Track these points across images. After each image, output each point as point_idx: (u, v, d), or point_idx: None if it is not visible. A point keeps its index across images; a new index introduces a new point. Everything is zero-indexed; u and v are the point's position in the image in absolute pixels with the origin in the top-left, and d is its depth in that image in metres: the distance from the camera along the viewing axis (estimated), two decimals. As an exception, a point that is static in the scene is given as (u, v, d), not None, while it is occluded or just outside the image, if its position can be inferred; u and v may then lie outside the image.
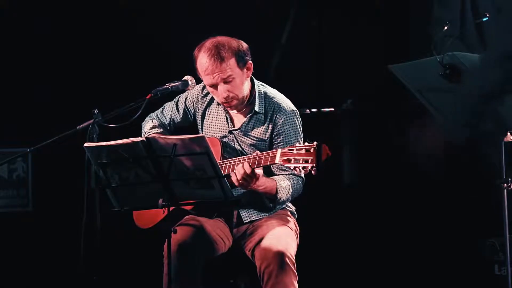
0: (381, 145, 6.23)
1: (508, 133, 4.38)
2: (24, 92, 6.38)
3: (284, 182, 4.41)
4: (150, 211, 4.41)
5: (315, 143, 3.98)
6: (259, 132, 4.51)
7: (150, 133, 4.67)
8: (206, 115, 4.63)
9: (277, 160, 4.04)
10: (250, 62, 4.48)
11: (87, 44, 6.43)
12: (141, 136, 4.11)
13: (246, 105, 4.53)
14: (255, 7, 6.53)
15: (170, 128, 4.75)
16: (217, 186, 3.98)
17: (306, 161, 3.95)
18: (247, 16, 6.33)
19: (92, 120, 4.19)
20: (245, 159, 4.23)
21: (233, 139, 4.55)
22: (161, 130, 4.71)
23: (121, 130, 4.23)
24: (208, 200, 4.09)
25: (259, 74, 4.67)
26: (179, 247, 4.27)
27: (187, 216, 4.49)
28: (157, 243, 4.33)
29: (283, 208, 4.58)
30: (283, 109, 4.50)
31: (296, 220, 4.60)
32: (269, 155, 4.12)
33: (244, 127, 4.52)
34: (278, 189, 4.38)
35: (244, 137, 4.53)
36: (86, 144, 4.02)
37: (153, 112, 4.78)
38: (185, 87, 4.52)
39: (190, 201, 4.11)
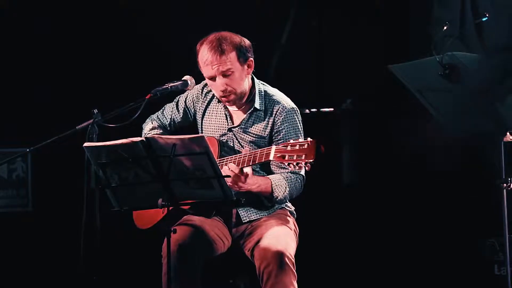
0: (381, 145, 6.23)
1: (508, 133, 4.38)
2: (24, 92, 6.38)
3: (280, 180, 4.41)
4: (149, 212, 4.41)
5: (309, 139, 3.99)
6: (259, 129, 4.51)
7: (149, 134, 4.67)
8: (206, 114, 4.64)
9: (271, 157, 4.05)
10: (252, 59, 4.48)
11: (87, 44, 6.43)
12: (141, 137, 4.10)
13: (246, 102, 4.54)
14: (255, 7, 6.53)
15: (171, 128, 4.75)
16: (216, 186, 3.98)
17: (300, 157, 3.96)
18: (247, 16, 6.32)
19: (91, 120, 4.19)
20: (240, 157, 4.24)
21: (232, 137, 4.55)
22: (161, 131, 4.71)
23: (121, 130, 4.23)
24: (208, 200, 4.09)
25: (259, 73, 4.67)
26: (178, 247, 4.27)
27: (185, 216, 4.49)
28: (157, 243, 4.34)
29: (282, 208, 4.58)
30: (283, 106, 4.51)
31: (296, 220, 4.59)
32: (263, 152, 4.13)
33: (243, 124, 4.53)
34: (273, 188, 4.38)
35: (243, 134, 4.53)
36: (86, 144, 4.02)
37: (153, 112, 4.78)
38: (184, 87, 4.52)
39: (190, 201, 4.11)
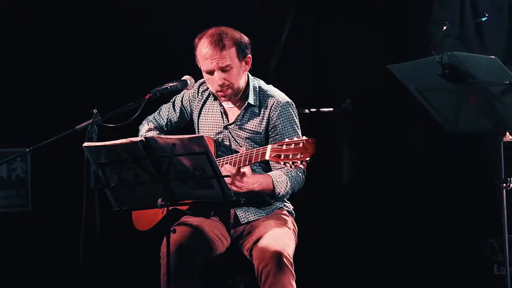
0: (380, 145, 6.24)
1: (507, 133, 4.37)
2: (24, 92, 6.39)
3: (281, 176, 4.41)
4: (148, 213, 4.41)
5: (304, 138, 4.00)
6: (254, 124, 4.51)
7: (146, 136, 4.67)
8: (202, 112, 4.63)
9: (267, 157, 4.06)
10: (250, 56, 4.49)
11: (87, 44, 6.44)
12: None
13: (240, 99, 4.54)
14: (255, 7, 6.53)
15: (167, 129, 4.74)
16: (216, 186, 3.98)
17: (296, 156, 3.97)
18: (247, 16, 6.33)
19: (91, 120, 4.19)
20: (236, 157, 4.24)
21: (228, 135, 4.55)
22: (158, 132, 4.71)
23: (120, 130, 4.23)
24: (207, 200, 4.09)
25: (259, 73, 4.67)
26: (177, 248, 4.26)
27: (184, 217, 4.49)
28: (156, 244, 4.34)
29: (281, 207, 4.57)
30: (278, 100, 4.50)
31: (295, 220, 4.59)
32: (259, 151, 4.13)
33: (239, 120, 4.52)
34: (275, 184, 4.38)
35: (239, 131, 4.52)
36: (85, 144, 4.02)
37: (152, 112, 4.78)
38: (184, 87, 4.52)
39: (190, 201, 4.11)
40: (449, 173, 6.05)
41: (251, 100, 4.50)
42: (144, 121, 4.77)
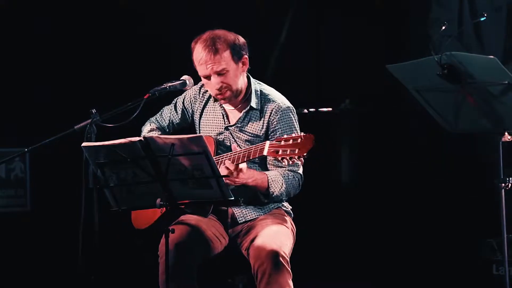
0: (380, 145, 6.24)
1: (506, 133, 4.37)
2: (24, 92, 6.39)
3: (277, 176, 4.41)
4: (147, 212, 4.41)
5: (302, 134, 4.00)
6: (255, 128, 4.51)
7: (145, 135, 4.68)
8: (203, 113, 4.64)
9: (265, 152, 4.06)
10: (246, 56, 4.48)
11: (87, 44, 6.44)
12: (139, 137, 4.10)
13: (242, 101, 4.54)
14: (255, 7, 6.54)
15: (169, 130, 4.75)
16: (215, 185, 3.98)
17: (293, 151, 3.98)
18: (247, 15, 6.34)
19: (89, 120, 4.19)
20: (235, 154, 4.24)
21: (228, 136, 4.55)
22: (160, 133, 4.71)
23: (119, 130, 4.23)
24: (206, 200, 4.09)
25: (259, 73, 4.67)
26: (175, 247, 4.26)
27: (182, 216, 4.49)
28: (154, 243, 4.34)
29: (278, 207, 4.57)
30: (278, 105, 4.50)
31: (293, 220, 4.58)
32: (258, 147, 4.14)
33: (240, 122, 4.53)
34: (269, 183, 4.38)
35: (239, 133, 4.53)
36: (84, 144, 4.01)
37: (151, 112, 4.78)
38: (183, 87, 4.52)
39: (188, 201, 4.11)
40: (448, 173, 6.05)
41: (253, 103, 4.50)
42: (146, 122, 4.78)
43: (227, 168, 4.21)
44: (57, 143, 4.33)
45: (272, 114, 4.49)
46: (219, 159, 4.34)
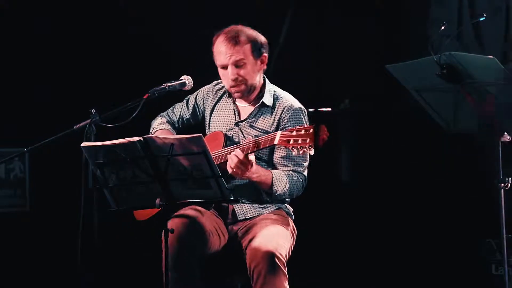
0: (380, 145, 6.23)
1: (505, 133, 4.38)
2: (24, 92, 6.39)
3: (281, 175, 4.43)
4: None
5: (313, 124, 4.03)
6: (265, 124, 4.54)
7: (158, 129, 4.73)
8: (215, 109, 4.68)
9: (276, 141, 4.09)
10: (266, 55, 4.55)
11: (87, 44, 6.44)
12: (142, 135, 4.10)
13: (254, 98, 4.57)
14: (255, 7, 6.53)
15: (179, 125, 4.79)
16: (214, 186, 3.99)
17: (304, 141, 3.99)
18: (247, 15, 6.32)
19: (89, 120, 4.19)
20: (245, 144, 4.26)
21: (238, 132, 4.57)
22: (169, 127, 4.75)
23: (119, 130, 4.23)
24: (206, 200, 4.10)
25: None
26: (176, 238, 4.25)
27: (181, 209, 4.48)
28: (155, 242, 4.34)
29: (280, 208, 4.57)
30: (291, 104, 4.55)
31: (294, 222, 4.58)
32: (269, 137, 4.17)
33: (251, 118, 4.56)
34: (273, 181, 4.40)
35: (249, 128, 4.55)
36: (83, 144, 4.02)
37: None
38: (182, 87, 4.53)
39: (188, 201, 4.11)
40: (448, 173, 6.05)
41: (266, 100, 4.54)
42: (157, 116, 4.83)
43: (236, 156, 4.21)
44: (56, 143, 4.33)
45: (283, 112, 4.53)
46: (228, 150, 4.34)
